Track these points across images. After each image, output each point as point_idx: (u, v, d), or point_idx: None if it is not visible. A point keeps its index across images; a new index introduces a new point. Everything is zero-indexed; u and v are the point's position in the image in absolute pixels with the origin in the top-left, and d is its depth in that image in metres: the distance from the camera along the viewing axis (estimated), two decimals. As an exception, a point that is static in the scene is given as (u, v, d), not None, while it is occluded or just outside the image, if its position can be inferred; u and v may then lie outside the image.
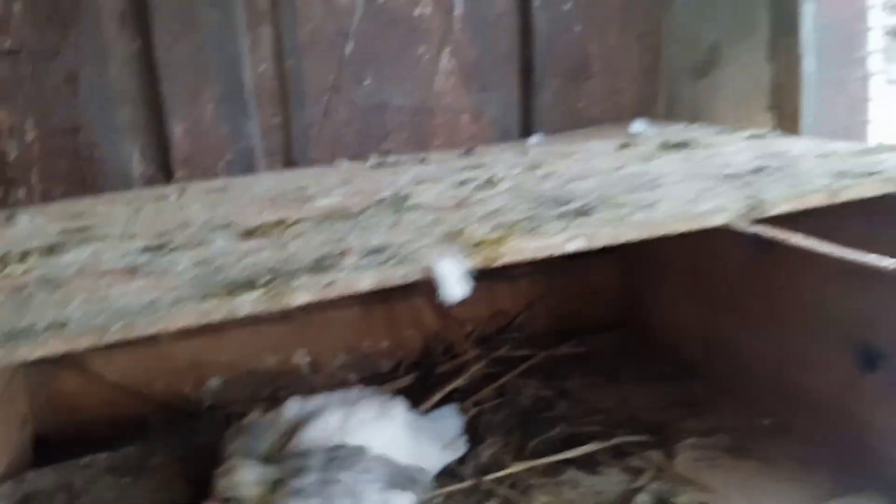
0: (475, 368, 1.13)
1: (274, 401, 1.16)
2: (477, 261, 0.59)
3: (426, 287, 1.16)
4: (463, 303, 1.20)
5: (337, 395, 0.88)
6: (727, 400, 1.02)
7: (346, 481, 0.73)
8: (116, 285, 0.60)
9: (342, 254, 0.62)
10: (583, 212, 0.71)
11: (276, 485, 0.73)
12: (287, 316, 1.16)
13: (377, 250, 0.63)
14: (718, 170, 0.86)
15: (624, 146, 1.05)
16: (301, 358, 1.19)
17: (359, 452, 0.76)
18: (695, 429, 0.97)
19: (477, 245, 0.62)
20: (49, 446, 1.04)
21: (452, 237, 0.66)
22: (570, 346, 1.21)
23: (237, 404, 1.15)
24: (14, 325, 0.52)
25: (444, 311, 1.17)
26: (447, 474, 0.90)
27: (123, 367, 1.10)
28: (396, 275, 0.57)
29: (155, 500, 0.80)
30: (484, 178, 0.91)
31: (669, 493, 0.85)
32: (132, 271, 0.63)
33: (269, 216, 0.79)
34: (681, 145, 1.00)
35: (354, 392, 0.90)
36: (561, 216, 0.70)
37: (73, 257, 0.70)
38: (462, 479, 0.90)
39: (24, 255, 0.70)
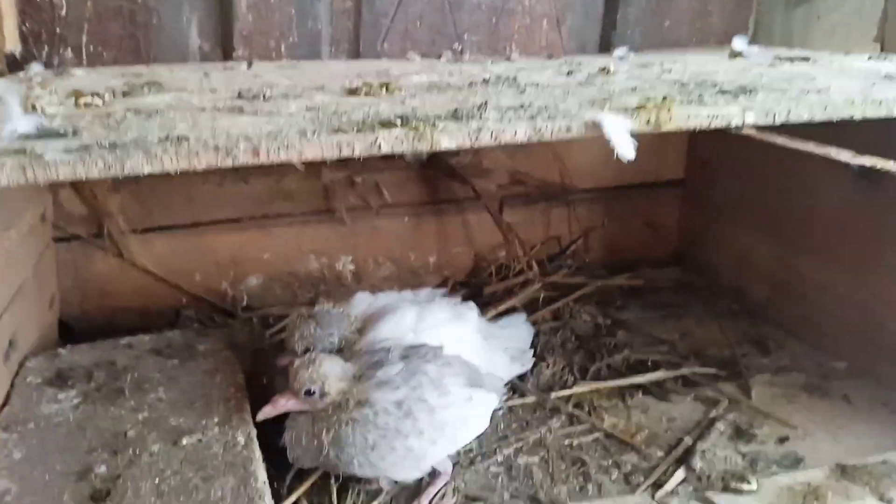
0: (532, 289, 1.08)
1: (314, 306, 1.11)
2: (643, 122, 0.52)
3: (488, 201, 1.11)
4: (517, 224, 1.16)
5: (408, 294, 0.83)
6: (797, 342, 0.97)
7: (430, 374, 0.68)
8: (223, 118, 0.53)
9: (480, 107, 0.56)
10: (746, 90, 0.64)
11: (358, 379, 0.67)
12: (334, 219, 1.10)
13: (519, 107, 0.57)
14: (871, 72, 0.78)
15: (734, 56, 0.97)
16: (345, 265, 1.13)
17: (439, 349, 0.71)
18: (766, 366, 0.92)
19: (638, 108, 0.55)
20: (71, 332, 0.99)
21: (600, 103, 0.59)
22: (627, 278, 1.15)
23: (275, 306, 1.10)
24: (118, 138, 0.46)
25: (510, 233, 1.11)
26: (509, 388, 0.86)
27: (161, 255, 1.04)
28: (553, 127, 0.51)
29: (207, 382, 0.74)
30: (596, 67, 0.83)
31: (748, 424, 0.81)
32: (236, 109, 0.57)
33: (366, 82, 0.71)
34: (802, 59, 0.91)
35: (425, 292, 0.85)
36: (721, 92, 0.63)
37: (155, 100, 0.63)
38: (524, 395, 0.86)
39: (97, 94, 0.63)
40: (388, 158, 1.09)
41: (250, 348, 0.90)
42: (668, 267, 1.21)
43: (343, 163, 1.07)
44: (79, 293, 1.01)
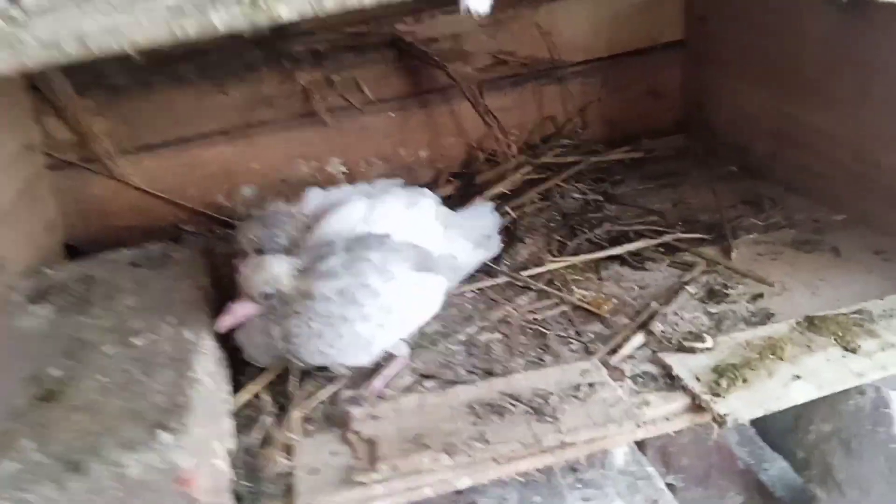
0: (518, 174, 1.05)
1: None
2: None
3: (466, 86, 1.07)
4: (508, 108, 1.12)
5: (362, 187, 0.82)
6: (796, 198, 0.92)
7: (374, 260, 0.67)
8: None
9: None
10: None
11: (304, 273, 0.68)
12: (319, 122, 1.09)
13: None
14: None
15: None
16: (336, 166, 1.13)
17: (385, 237, 0.71)
18: (756, 226, 0.88)
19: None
20: (80, 255, 1.03)
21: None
22: (623, 152, 1.11)
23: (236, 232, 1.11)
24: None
25: (488, 117, 1.08)
26: (482, 272, 0.85)
27: (153, 174, 1.07)
28: None
29: (172, 287, 0.77)
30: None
31: (722, 285, 0.77)
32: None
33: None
34: None
35: (380, 183, 0.84)
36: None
37: None
38: (495, 276, 0.85)
39: None
40: (362, 51, 1.07)
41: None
42: (672, 135, 1.14)
43: (317, 62, 1.06)
44: (81, 217, 1.06)
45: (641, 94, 1.16)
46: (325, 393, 0.69)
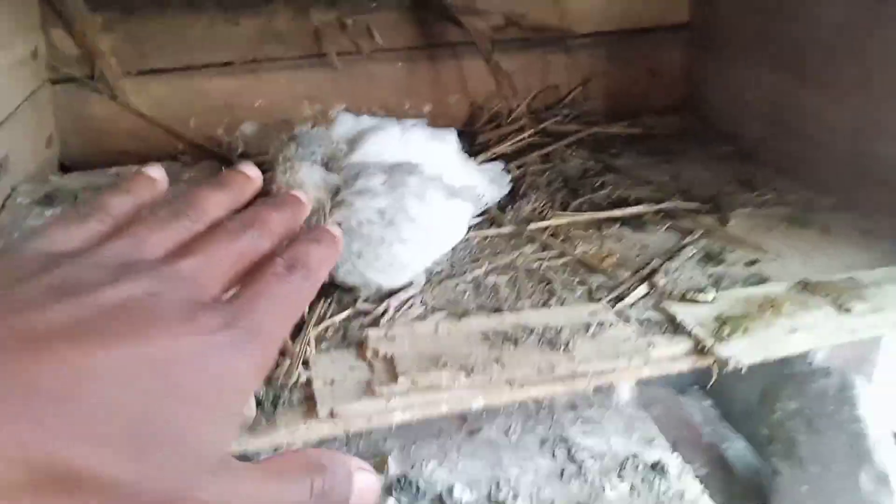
0: (522, 137, 1.07)
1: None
2: None
3: (480, 42, 1.09)
4: (513, 72, 1.14)
5: (389, 119, 0.83)
6: (788, 181, 0.96)
7: (413, 185, 0.69)
8: None
9: None
10: None
11: (337, 190, 0.69)
12: (328, 64, 1.10)
13: None
14: None
15: None
16: (339, 112, 1.13)
17: (418, 166, 0.72)
18: (750, 200, 0.92)
19: None
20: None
21: None
22: (623, 126, 1.14)
23: (271, 153, 1.11)
24: None
25: (500, 75, 1.10)
26: (486, 222, 0.87)
27: (155, 99, 1.06)
28: None
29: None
30: None
31: (719, 249, 0.81)
32: None
33: None
34: None
35: (406, 120, 0.85)
36: None
37: None
38: (501, 226, 0.87)
39: None
40: (379, -2, 1.08)
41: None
42: (671, 115, 1.18)
43: (332, 2, 1.06)
44: (77, 136, 1.04)
45: (643, 72, 1.20)
46: (340, 311, 0.71)
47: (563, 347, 0.63)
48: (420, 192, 0.70)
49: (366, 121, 0.81)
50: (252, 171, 0.41)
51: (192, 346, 0.30)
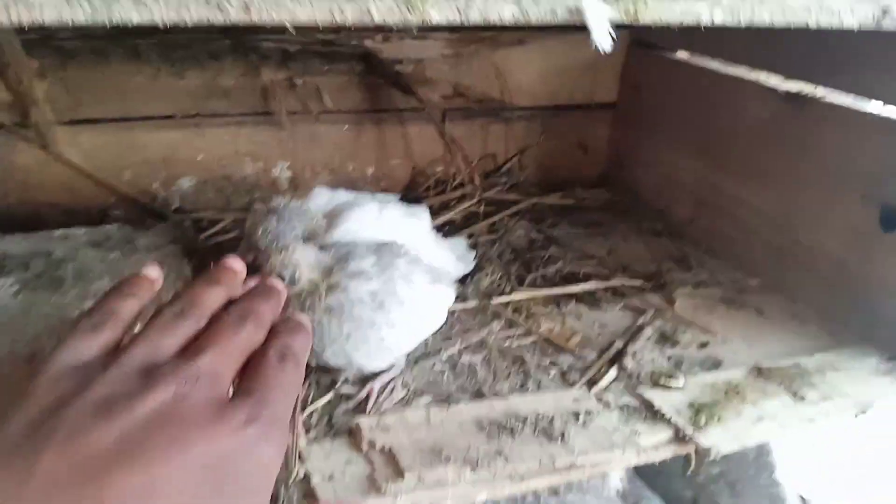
0: (470, 203, 1.10)
1: (248, 212, 1.09)
2: (622, 11, 0.52)
3: (432, 112, 1.11)
4: (455, 139, 1.16)
5: (365, 193, 0.83)
6: (716, 260, 1.04)
7: (401, 268, 0.69)
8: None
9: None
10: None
11: (329, 271, 0.68)
12: (273, 122, 1.08)
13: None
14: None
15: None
16: (282, 171, 1.11)
17: (403, 247, 0.72)
18: (688, 280, 0.98)
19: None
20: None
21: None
22: (559, 197, 1.19)
23: (208, 210, 1.08)
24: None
25: (454, 145, 1.12)
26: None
27: (89, 150, 1.00)
28: (538, 11, 0.50)
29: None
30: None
31: (672, 330, 0.86)
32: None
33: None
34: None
35: (379, 195, 0.85)
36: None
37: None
38: (466, 300, 0.89)
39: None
40: (331, 59, 1.07)
41: (187, 250, 0.89)
42: (597, 188, 1.25)
43: (283, 62, 1.05)
44: (2, 186, 0.96)
45: (573, 145, 1.26)
46: (321, 395, 0.70)
47: (559, 439, 0.65)
48: (407, 274, 0.70)
49: (342, 195, 0.81)
50: (238, 265, 0.45)
51: (229, 445, 0.34)
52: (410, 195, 1.16)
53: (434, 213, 1.08)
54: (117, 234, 0.82)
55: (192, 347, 0.38)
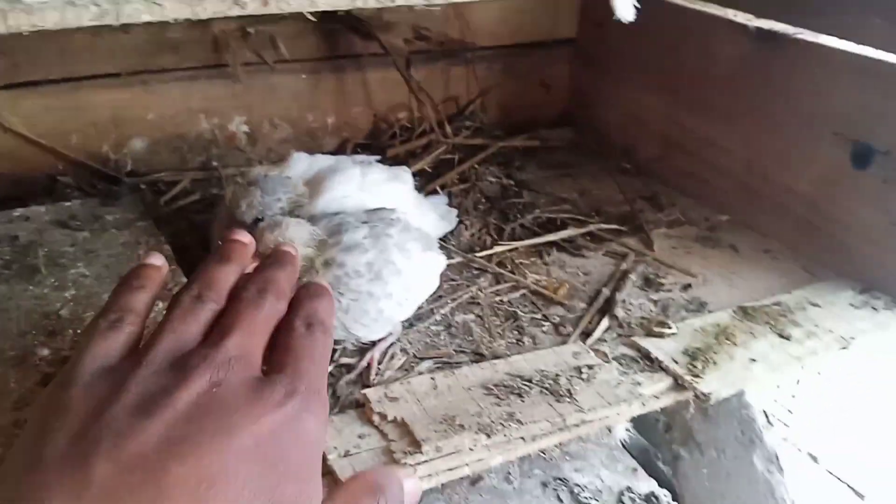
0: (439, 151, 1.07)
1: (206, 171, 1.05)
2: None
3: (396, 57, 1.07)
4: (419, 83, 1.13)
5: (344, 157, 0.80)
6: (685, 198, 1.05)
7: (395, 236, 0.67)
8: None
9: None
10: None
11: (324, 245, 0.65)
12: (227, 76, 1.02)
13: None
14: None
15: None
16: (238, 126, 1.06)
17: (393, 212, 0.70)
18: (661, 220, 0.99)
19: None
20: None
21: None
22: (524, 139, 1.18)
23: (164, 172, 1.02)
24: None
25: (421, 94, 1.08)
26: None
27: (31, 115, 0.93)
28: None
29: (130, 255, 0.69)
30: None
31: (654, 274, 0.87)
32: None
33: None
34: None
35: (359, 157, 0.82)
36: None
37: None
38: (451, 256, 0.88)
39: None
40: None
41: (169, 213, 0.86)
42: (560, 127, 1.24)
43: (237, 13, 0.98)
44: (-63, 159, 0.89)
45: (534, 84, 1.23)
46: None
47: (566, 396, 0.66)
48: (401, 243, 0.69)
49: (321, 160, 0.78)
50: (246, 238, 0.44)
51: (273, 423, 0.33)
52: (374, 143, 1.13)
53: (400, 162, 1.06)
54: (81, 211, 0.77)
55: (217, 330, 0.37)
